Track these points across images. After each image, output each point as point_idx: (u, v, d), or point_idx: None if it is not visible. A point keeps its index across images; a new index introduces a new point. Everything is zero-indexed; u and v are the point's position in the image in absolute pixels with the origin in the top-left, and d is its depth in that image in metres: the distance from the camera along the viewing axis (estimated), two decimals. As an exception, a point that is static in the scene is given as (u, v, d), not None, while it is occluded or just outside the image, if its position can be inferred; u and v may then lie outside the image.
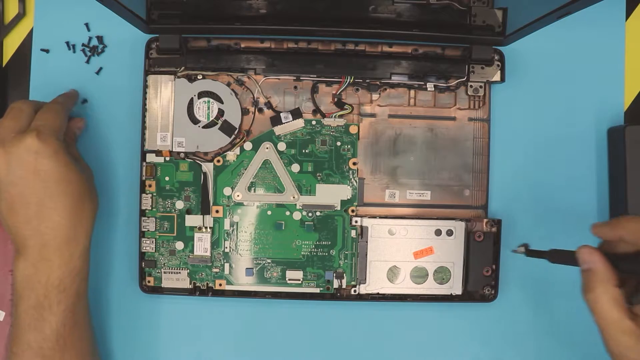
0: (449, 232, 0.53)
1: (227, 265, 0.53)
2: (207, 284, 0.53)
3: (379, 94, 0.54)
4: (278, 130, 0.53)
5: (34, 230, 0.46)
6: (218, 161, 0.53)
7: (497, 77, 0.54)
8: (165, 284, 0.53)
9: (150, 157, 0.53)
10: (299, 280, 0.53)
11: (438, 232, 0.53)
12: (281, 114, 0.53)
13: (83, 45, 0.54)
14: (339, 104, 0.54)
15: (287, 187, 0.53)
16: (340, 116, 0.54)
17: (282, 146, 0.53)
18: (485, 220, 0.53)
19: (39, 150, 0.45)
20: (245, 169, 0.53)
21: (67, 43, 0.54)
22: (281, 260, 0.53)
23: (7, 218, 0.46)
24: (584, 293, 0.42)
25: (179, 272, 0.53)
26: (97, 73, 0.55)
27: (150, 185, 0.53)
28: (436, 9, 0.51)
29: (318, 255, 0.53)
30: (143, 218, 0.52)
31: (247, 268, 0.53)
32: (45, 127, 0.46)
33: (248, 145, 0.53)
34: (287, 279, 0.53)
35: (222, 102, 0.53)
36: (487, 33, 0.52)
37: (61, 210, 0.46)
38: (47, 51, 0.54)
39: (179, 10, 0.50)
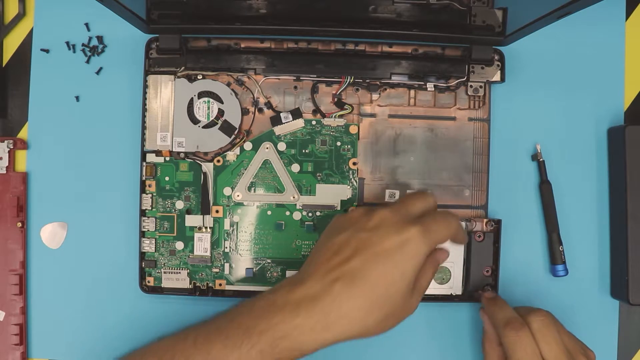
0: (449, 232, 0.53)
1: (227, 265, 0.53)
2: (207, 284, 0.53)
3: (379, 94, 0.54)
4: (278, 130, 0.53)
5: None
6: (218, 161, 0.53)
7: (497, 77, 0.54)
8: (165, 284, 0.53)
9: (150, 157, 0.53)
10: (299, 280, 0.53)
11: (438, 232, 0.53)
12: (281, 114, 0.53)
13: (83, 45, 0.54)
14: (339, 104, 0.54)
15: (287, 187, 0.53)
16: (340, 116, 0.54)
17: (282, 146, 0.53)
18: (485, 220, 0.53)
19: (413, 245, 0.42)
20: (245, 169, 0.53)
21: (67, 43, 0.54)
22: (281, 260, 0.53)
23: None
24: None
25: (179, 272, 0.53)
26: (97, 73, 0.55)
27: (150, 185, 0.53)
28: (436, 9, 0.51)
29: (318, 255, 0.53)
30: (143, 218, 0.52)
31: (247, 268, 0.53)
32: (433, 232, 0.43)
33: (248, 145, 0.53)
34: (287, 279, 0.53)
35: (222, 102, 0.53)
36: (487, 33, 0.52)
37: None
38: (47, 51, 0.54)
39: (179, 10, 0.50)
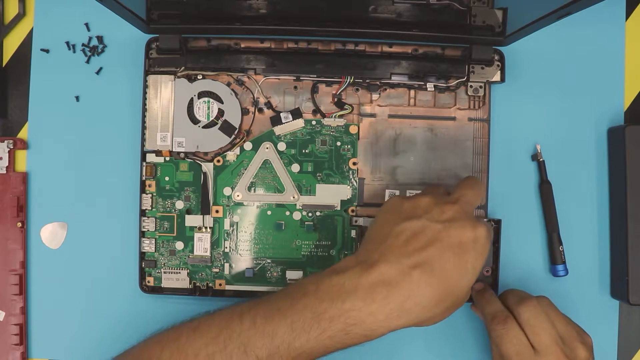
0: (449, 232, 0.53)
1: (227, 265, 0.53)
2: (207, 284, 0.53)
3: (379, 94, 0.54)
4: (278, 130, 0.53)
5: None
6: (218, 161, 0.53)
7: (497, 77, 0.54)
8: (165, 284, 0.53)
9: (150, 157, 0.53)
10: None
11: (438, 232, 0.53)
12: (281, 114, 0.53)
13: (83, 45, 0.54)
14: (339, 104, 0.54)
15: (287, 187, 0.53)
16: (340, 116, 0.54)
17: (282, 146, 0.53)
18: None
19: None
20: (245, 169, 0.53)
21: (67, 43, 0.54)
22: (281, 260, 0.53)
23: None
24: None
25: (179, 272, 0.53)
26: (97, 73, 0.55)
27: (150, 185, 0.53)
28: (436, 9, 0.51)
29: (318, 255, 0.53)
30: (143, 218, 0.52)
31: (247, 268, 0.53)
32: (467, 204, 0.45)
33: (248, 145, 0.53)
34: (287, 279, 0.53)
35: (222, 102, 0.53)
36: (487, 33, 0.52)
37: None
38: (47, 51, 0.54)
39: (179, 10, 0.50)
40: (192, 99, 0.52)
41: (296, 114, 0.53)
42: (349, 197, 0.53)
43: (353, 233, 0.53)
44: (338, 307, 0.41)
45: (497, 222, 0.53)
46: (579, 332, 0.48)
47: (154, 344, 0.44)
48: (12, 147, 0.54)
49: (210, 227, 0.53)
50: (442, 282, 0.42)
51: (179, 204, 0.53)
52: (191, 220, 0.53)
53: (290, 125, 0.53)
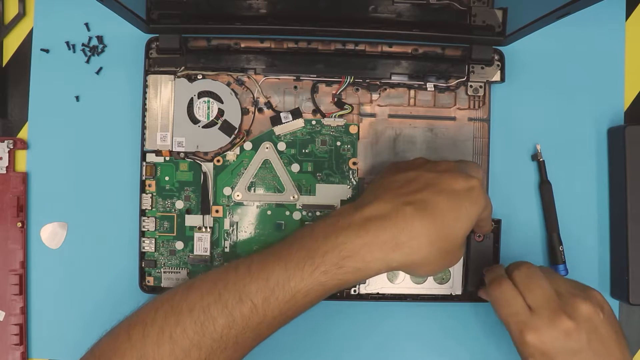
0: (449, 232, 0.53)
1: (227, 265, 0.53)
2: (207, 284, 0.53)
3: (379, 94, 0.54)
4: (278, 130, 0.53)
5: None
6: (218, 161, 0.53)
7: (497, 77, 0.54)
8: (165, 283, 0.53)
9: (150, 157, 0.53)
10: (299, 280, 0.53)
11: (438, 232, 0.53)
12: (281, 114, 0.53)
13: (83, 45, 0.54)
14: (339, 104, 0.54)
15: (287, 187, 0.53)
16: (340, 116, 0.54)
17: (282, 146, 0.53)
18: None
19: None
20: (245, 169, 0.53)
21: (67, 43, 0.54)
22: (281, 260, 0.53)
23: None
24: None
25: (179, 272, 0.53)
26: (97, 73, 0.55)
27: (150, 185, 0.53)
28: (436, 9, 0.51)
29: (318, 255, 0.53)
30: (143, 218, 0.52)
31: (247, 268, 0.53)
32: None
33: (248, 145, 0.53)
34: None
35: (222, 102, 0.53)
36: (487, 33, 0.52)
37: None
38: (47, 51, 0.54)
39: (179, 10, 0.50)
40: (192, 99, 0.52)
41: (296, 113, 0.53)
42: (349, 197, 0.53)
43: (353, 233, 0.53)
44: (331, 242, 0.41)
45: (497, 222, 0.53)
46: (582, 289, 0.46)
47: (148, 307, 0.43)
48: (12, 147, 0.54)
49: (210, 227, 0.53)
50: (436, 220, 0.42)
51: (179, 204, 0.53)
52: (191, 220, 0.53)
53: (290, 125, 0.53)
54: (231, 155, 0.53)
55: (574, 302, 0.44)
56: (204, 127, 0.52)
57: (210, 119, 0.52)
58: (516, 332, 0.44)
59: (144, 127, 0.52)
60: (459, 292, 0.53)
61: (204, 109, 0.53)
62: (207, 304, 0.41)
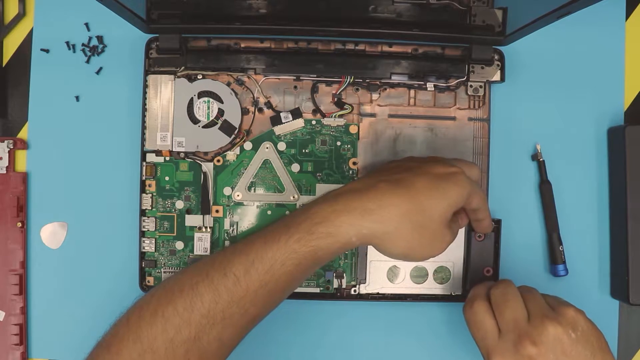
0: (449, 232, 0.53)
1: (227, 265, 0.53)
2: (207, 283, 0.53)
3: (379, 93, 0.54)
4: (278, 130, 0.53)
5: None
6: (218, 161, 0.53)
7: (497, 77, 0.54)
8: (165, 283, 0.53)
9: (150, 157, 0.53)
10: (299, 280, 0.53)
11: (438, 232, 0.53)
12: (281, 114, 0.53)
13: (83, 45, 0.54)
14: (339, 103, 0.54)
15: (287, 187, 0.53)
16: (340, 116, 0.54)
17: (282, 146, 0.53)
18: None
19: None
20: (245, 169, 0.53)
21: (67, 43, 0.54)
22: (281, 260, 0.53)
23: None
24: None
25: (179, 272, 0.53)
26: (97, 73, 0.55)
27: (150, 185, 0.53)
28: (436, 8, 0.51)
29: (318, 255, 0.53)
30: (143, 218, 0.52)
31: (247, 268, 0.53)
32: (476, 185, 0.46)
33: (248, 145, 0.53)
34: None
35: (222, 102, 0.53)
36: (487, 33, 0.52)
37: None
38: (47, 51, 0.54)
39: (179, 10, 0.50)
40: (192, 99, 0.52)
41: (296, 113, 0.53)
42: (349, 197, 0.53)
43: (353, 233, 0.53)
44: (305, 212, 0.43)
45: (497, 222, 0.53)
46: (556, 306, 0.44)
47: (147, 295, 0.45)
48: (12, 147, 0.54)
49: (210, 227, 0.53)
50: (409, 193, 0.43)
51: (179, 204, 0.53)
52: (191, 220, 0.53)
53: (290, 125, 0.53)
54: (231, 155, 0.53)
55: (542, 325, 0.43)
56: (204, 127, 0.52)
57: (210, 119, 0.52)
58: (484, 355, 0.45)
59: (144, 127, 0.52)
60: (459, 292, 0.53)
61: (204, 109, 0.53)
62: (196, 282, 0.43)
